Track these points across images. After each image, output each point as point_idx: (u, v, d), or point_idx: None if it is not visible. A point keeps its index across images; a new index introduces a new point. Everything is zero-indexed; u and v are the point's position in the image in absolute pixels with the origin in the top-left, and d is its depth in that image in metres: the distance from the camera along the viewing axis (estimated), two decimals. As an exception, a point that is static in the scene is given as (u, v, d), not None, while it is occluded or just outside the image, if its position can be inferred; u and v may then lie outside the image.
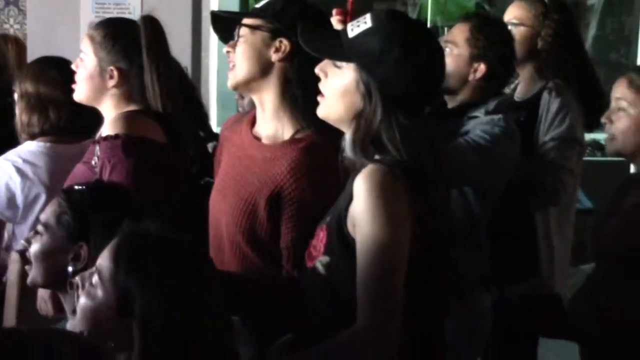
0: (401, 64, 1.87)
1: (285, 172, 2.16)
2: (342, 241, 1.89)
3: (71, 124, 2.93)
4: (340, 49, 1.93)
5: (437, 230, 1.93)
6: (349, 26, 1.95)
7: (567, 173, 3.15)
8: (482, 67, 2.89)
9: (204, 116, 3.24)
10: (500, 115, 2.84)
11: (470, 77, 2.90)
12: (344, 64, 1.92)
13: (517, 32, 3.28)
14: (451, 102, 2.96)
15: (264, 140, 2.28)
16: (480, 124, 2.82)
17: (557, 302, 2.53)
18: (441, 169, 1.97)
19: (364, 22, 1.92)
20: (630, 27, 7.00)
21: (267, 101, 2.28)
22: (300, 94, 2.22)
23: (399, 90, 1.87)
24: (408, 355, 1.90)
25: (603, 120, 2.49)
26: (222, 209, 2.31)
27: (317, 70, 1.98)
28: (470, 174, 2.77)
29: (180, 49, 4.05)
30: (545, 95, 3.25)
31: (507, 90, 3.51)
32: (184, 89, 2.70)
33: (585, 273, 3.38)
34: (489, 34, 2.90)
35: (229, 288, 2.08)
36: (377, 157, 1.89)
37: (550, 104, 3.22)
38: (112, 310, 1.67)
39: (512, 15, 3.37)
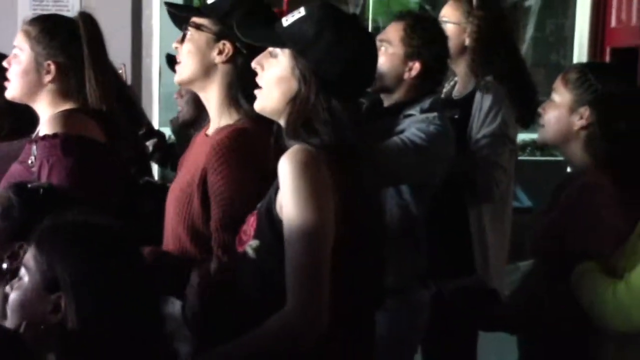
0: (334, 47, 1.92)
1: (210, 154, 2.18)
2: (271, 224, 1.91)
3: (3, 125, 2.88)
4: (275, 36, 1.97)
5: (363, 216, 1.95)
6: (284, 18, 2.00)
7: (499, 169, 3.21)
8: (416, 66, 2.92)
9: (139, 115, 3.22)
10: (435, 114, 2.88)
11: (406, 76, 2.93)
12: (279, 52, 1.96)
13: (446, 29, 3.32)
14: (387, 101, 3.00)
15: (210, 134, 2.32)
16: (415, 122, 2.86)
17: (494, 296, 2.57)
18: (370, 156, 2.02)
19: (298, 12, 1.98)
20: (569, 29, 7.12)
21: (211, 99, 2.31)
22: (241, 96, 2.24)
23: (334, 73, 1.92)
24: (336, 343, 1.92)
25: (539, 110, 2.54)
26: (170, 207, 2.33)
27: (253, 64, 2.01)
28: (407, 173, 2.82)
29: (119, 49, 4.04)
30: (478, 92, 3.30)
31: (445, 88, 3.58)
32: (118, 89, 2.68)
33: (523, 270, 3.44)
34: (423, 33, 2.94)
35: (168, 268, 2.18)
36: (306, 138, 1.91)
37: (482, 102, 3.27)
38: (39, 289, 1.70)
39: (442, 13, 3.43)
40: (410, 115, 2.88)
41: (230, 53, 2.25)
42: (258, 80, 2.00)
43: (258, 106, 2.01)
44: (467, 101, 3.34)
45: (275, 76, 1.96)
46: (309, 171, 1.85)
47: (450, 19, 3.38)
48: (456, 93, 3.45)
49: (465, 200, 3.27)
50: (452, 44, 3.25)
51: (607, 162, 2.41)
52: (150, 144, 3.60)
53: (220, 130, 2.25)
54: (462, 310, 2.70)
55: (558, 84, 2.49)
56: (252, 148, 2.17)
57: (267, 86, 1.98)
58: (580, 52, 4.93)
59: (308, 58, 1.92)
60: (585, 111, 2.43)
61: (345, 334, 1.95)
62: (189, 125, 3.62)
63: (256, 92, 2.01)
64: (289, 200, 1.85)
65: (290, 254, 1.86)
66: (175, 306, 2.34)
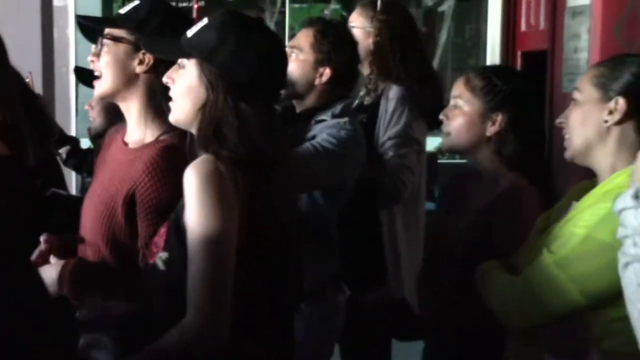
0: (239, 51, 1.93)
1: (140, 171, 2.18)
2: (178, 235, 1.91)
3: None
4: (179, 47, 1.98)
5: (274, 223, 1.96)
6: (189, 30, 2.01)
7: (405, 170, 3.26)
8: (327, 72, 2.95)
9: (49, 125, 3.18)
10: (346, 119, 2.91)
11: (317, 82, 2.96)
12: (186, 62, 1.97)
13: (355, 35, 3.37)
14: (299, 107, 3.02)
15: (130, 145, 2.30)
16: (326, 128, 2.88)
17: (404, 306, 2.60)
18: (282, 160, 2.03)
19: (202, 22, 1.99)
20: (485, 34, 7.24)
21: (132, 110, 2.30)
22: (165, 103, 2.23)
23: (241, 77, 1.93)
24: (248, 348, 1.93)
25: (441, 117, 2.57)
26: (87, 215, 2.31)
27: (164, 79, 2.02)
28: (319, 179, 2.84)
29: (29, 58, 3.98)
30: (383, 96, 3.35)
31: (361, 93, 3.62)
32: (25, 98, 2.65)
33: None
34: (333, 39, 2.97)
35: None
36: (214, 147, 1.91)
37: (387, 105, 3.33)
38: None
39: (350, 19, 3.50)
40: (322, 120, 2.91)
41: (151, 62, 2.24)
42: (171, 93, 2.00)
43: (172, 118, 2.02)
44: (374, 105, 3.39)
45: (184, 86, 1.97)
46: (212, 182, 1.85)
47: (356, 24, 3.44)
48: (368, 99, 3.48)
49: (374, 203, 3.32)
50: (360, 48, 3.27)
51: (519, 164, 2.46)
52: (63, 151, 3.57)
53: (149, 145, 2.24)
54: (376, 324, 2.73)
55: (462, 91, 2.50)
56: (182, 165, 2.15)
57: (178, 97, 1.98)
58: (492, 56, 5.02)
59: (213, 64, 1.93)
60: (497, 117, 2.47)
61: (259, 339, 1.96)
62: (102, 135, 3.59)
63: (170, 104, 2.01)
64: (192, 211, 1.86)
65: (191, 265, 1.86)
66: (94, 315, 2.32)
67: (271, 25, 6.69)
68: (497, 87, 2.46)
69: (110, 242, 2.22)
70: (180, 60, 1.99)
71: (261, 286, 1.95)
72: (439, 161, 5.51)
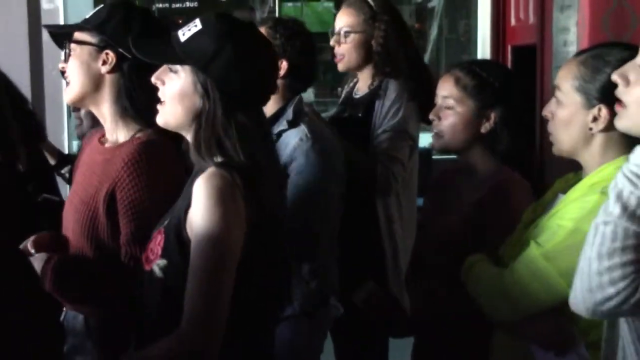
0: (236, 61, 1.93)
1: (119, 168, 2.19)
2: (180, 244, 1.92)
3: None
4: (173, 53, 1.97)
5: (271, 234, 1.98)
6: (180, 32, 2.00)
7: (397, 164, 3.30)
8: (284, 64, 2.95)
9: (38, 128, 3.19)
10: (303, 130, 2.91)
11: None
12: (179, 68, 1.96)
13: (351, 40, 3.39)
14: None
15: (107, 145, 2.33)
16: (294, 158, 2.87)
17: (394, 303, 2.61)
18: (275, 166, 2.06)
19: (194, 26, 1.98)
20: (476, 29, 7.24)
21: (104, 112, 2.33)
22: (133, 101, 2.26)
23: (237, 88, 1.93)
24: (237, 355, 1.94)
25: (431, 117, 2.57)
26: (69, 217, 2.32)
27: (153, 79, 2.01)
28: (316, 220, 2.88)
29: (17, 62, 3.97)
30: (381, 91, 3.37)
31: (345, 88, 3.64)
32: (14, 102, 2.66)
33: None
34: (285, 32, 2.98)
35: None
36: (218, 159, 1.92)
37: (384, 99, 3.35)
38: None
39: (342, 23, 3.46)
40: (282, 131, 2.92)
41: (114, 61, 2.27)
42: (160, 95, 2.00)
43: (161, 121, 2.02)
44: (369, 100, 3.43)
45: (177, 92, 1.96)
46: (223, 196, 1.86)
47: (353, 28, 3.42)
48: (357, 92, 3.53)
49: (370, 195, 3.34)
50: (358, 53, 3.39)
51: (512, 158, 2.47)
52: (66, 170, 3.56)
53: (125, 143, 2.26)
54: (369, 323, 2.74)
55: (453, 91, 2.49)
56: (161, 160, 2.20)
57: (170, 102, 1.98)
58: (483, 51, 5.02)
59: (210, 73, 1.92)
60: (490, 114, 2.48)
61: (246, 346, 1.98)
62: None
63: (159, 107, 2.01)
64: (200, 223, 1.86)
65: (194, 272, 1.87)
66: (78, 319, 2.33)
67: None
68: (489, 84, 2.47)
69: (93, 241, 2.24)
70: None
71: (255, 291, 1.96)
72: (434, 157, 5.52)
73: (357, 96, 3.52)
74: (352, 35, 3.40)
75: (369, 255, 3.36)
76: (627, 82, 1.65)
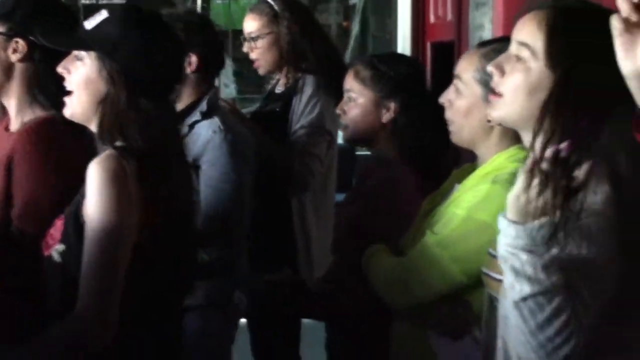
0: (141, 47, 1.95)
1: (17, 143, 2.18)
2: (77, 228, 1.93)
3: None
4: (79, 40, 1.99)
5: (171, 218, 1.99)
6: (87, 21, 2.02)
7: (314, 159, 3.34)
8: (193, 59, 2.97)
9: None
10: (217, 122, 2.93)
11: (188, 70, 2.97)
12: (84, 55, 1.98)
13: (260, 44, 3.46)
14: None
15: (12, 130, 2.31)
16: (208, 150, 2.89)
17: (302, 287, 2.65)
18: (184, 154, 2.08)
19: (101, 15, 2.00)
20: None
21: (12, 100, 2.30)
22: (43, 90, 2.25)
23: (142, 74, 1.95)
24: (137, 342, 1.96)
25: (337, 110, 2.62)
26: None
27: (59, 68, 2.02)
28: (227, 213, 2.90)
29: None
30: (299, 86, 3.42)
31: (269, 85, 3.68)
32: None
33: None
34: (188, 25, 2.99)
35: None
36: (118, 144, 1.93)
37: (301, 95, 3.40)
38: None
39: (248, 29, 3.52)
40: (195, 122, 2.94)
41: (26, 50, 2.25)
42: (67, 84, 2.01)
43: (68, 112, 2.02)
44: (287, 95, 3.47)
45: (82, 79, 1.98)
46: (115, 179, 1.88)
47: (258, 33, 3.47)
48: (279, 87, 3.57)
49: (284, 190, 3.38)
50: (270, 56, 3.45)
51: (412, 150, 2.52)
52: None
53: (26, 122, 2.25)
54: (274, 303, 2.78)
55: (353, 84, 2.57)
56: (58, 138, 2.18)
57: (76, 90, 1.99)
58: (404, 47, 5.09)
59: (115, 59, 1.95)
60: (390, 104, 2.53)
61: (148, 329, 1.99)
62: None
63: (66, 99, 2.02)
64: (92, 206, 1.88)
65: (87, 256, 1.89)
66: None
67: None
68: (386, 75, 2.53)
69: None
70: (77, 52, 2.00)
71: (155, 278, 1.98)
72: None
73: (278, 92, 3.57)
74: (260, 39, 3.46)
75: (281, 249, 3.40)
76: (503, 73, 1.70)
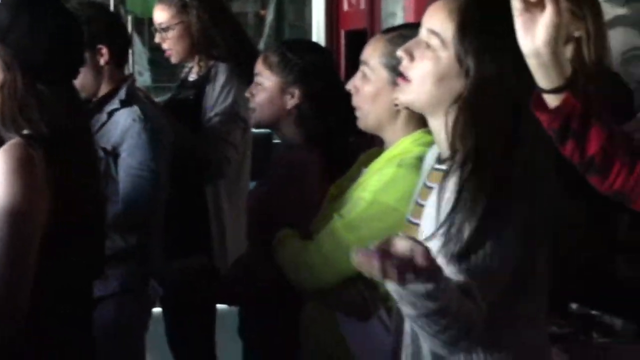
0: (33, 30, 1.93)
1: None
2: None
3: None
4: None
5: (79, 205, 1.98)
6: None
7: (230, 147, 3.36)
8: (104, 51, 2.97)
9: None
10: (136, 111, 2.93)
11: (101, 62, 2.97)
12: None
13: (171, 34, 3.48)
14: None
15: None
16: (127, 137, 2.89)
17: (214, 272, 2.66)
18: (90, 141, 2.08)
19: None
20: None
21: None
22: None
23: (37, 59, 1.94)
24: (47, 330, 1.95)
25: (246, 94, 2.66)
26: None
27: None
28: (145, 200, 2.90)
29: None
30: (211, 74, 3.44)
31: (183, 73, 3.68)
32: None
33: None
34: (96, 17, 2.98)
35: None
36: (24, 131, 1.91)
37: (215, 83, 3.42)
38: None
39: (158, 20, 3.55)
40: (114, 110, 2.94)
41: None
42: None
43: None
44: (201, 83, 3.49)
45: None
46: (23, 167, 1.86)
47: (168, 25, 3.50)
48: (193, 75, 3.59)
49: (199, 177, 3.39)
50: (182, 46, 3.49)
51: (318, 137, 2.56)
52: None
53: None
54: (188, 290, 2.78)
55: (261, 69, 2.61)
56: None
57: None
58: (318, 36, 5.12)
59: (7, 44, 1.92)
60: (295, 90, 2.56)
61: (58, 317, 1.98)
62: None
63: None
64: (1, 194, 1.86)
65: None
66: None
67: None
68: (292, 62, 2.56)
69: None
70: None
71: (65, 265, 1.97)
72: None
73: (191, 79, 3.59)
74: (170, 30, 3.48)
75: (196, 237, 3.41)
76: (412, 58, 1.74)
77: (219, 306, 3.55)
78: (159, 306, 3.36)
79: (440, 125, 1.72)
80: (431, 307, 1.51)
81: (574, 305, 2.78)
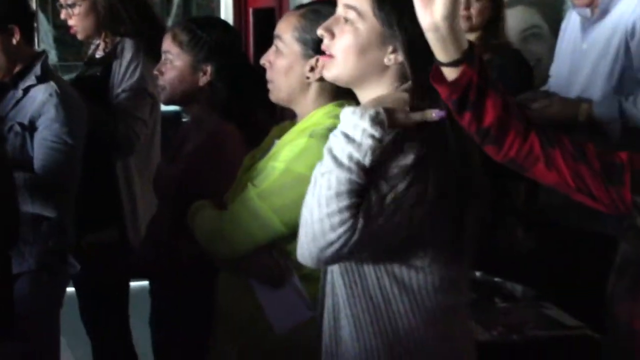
0: None
1: None
2: None
3: None
4: None
5: None
6: None
7: (139, 122, 3.40)
8: (16, 30, 2.98)
9: None
10: (53, 86, 2.96)
11: (14, 42, 2.98)
12: None
13: (77, 11, 3.48)
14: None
15: None
16: (42, 112, 2.92)
17: (125, 246, 2.68)
18: None
19: None
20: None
21: None
22: None
23: None
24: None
25: (154, 72, 2.69)
26: None
27: None
28: (60, 174, 2.93)
29: None
30: (118, 50, 3.46)
31: (90, 50, 3.67)
32: None
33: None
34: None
35: None
36: None
37: (122, 59, 3.43)
38: None
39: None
40: (30, 87, 2.96)
41: None
42: None
43: None
44: (107, 59, 3.50)
45: None
46: None
47: (74, 1, 3.48)
48: (99, 52, 3.58)
49: (111, 153, 3.40)
50: (90, 22, 3.48)
51: (230, 111, 2.61)
52: None
53: None
54: (99, 264, 2.81)
55: (171, 46, 2.64)
56: None
57: None
58: (226, 13, 5.14)
59: None
60: (206, 68, 2.60)
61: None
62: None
63: None
64: None
65: None
66: None
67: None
68: (203, 39, 2.61)
69: None
70: None
71: None
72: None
73: (98, 56, 3.58)
74: (77, 6, 3.48)
75: (108, 212, 3.43)
76: (332, 35, 1.80)
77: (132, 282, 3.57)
78: (72, 284, 3.36)
79: (368, 96, 1.79)
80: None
81: (477, 273, 2.90)
